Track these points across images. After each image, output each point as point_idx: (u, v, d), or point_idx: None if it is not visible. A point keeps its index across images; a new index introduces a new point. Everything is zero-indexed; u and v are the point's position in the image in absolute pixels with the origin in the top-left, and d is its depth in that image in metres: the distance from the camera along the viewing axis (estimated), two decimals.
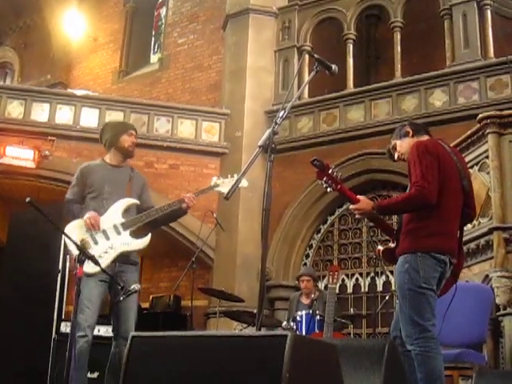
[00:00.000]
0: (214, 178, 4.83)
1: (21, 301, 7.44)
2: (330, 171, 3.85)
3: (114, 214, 4.53)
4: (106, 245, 4.43)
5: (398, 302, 3.95)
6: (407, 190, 3.87)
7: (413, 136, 4.15)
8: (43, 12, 15.55)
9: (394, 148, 4.23)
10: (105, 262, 4.35)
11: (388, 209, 4.02)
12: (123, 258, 4.48)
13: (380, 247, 4.21)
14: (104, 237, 4.46)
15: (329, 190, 3.89)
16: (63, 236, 4.54)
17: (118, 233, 4.49)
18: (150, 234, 4.58)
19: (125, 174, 4.74)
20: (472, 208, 4.06)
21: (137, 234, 4.55)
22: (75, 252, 4.05)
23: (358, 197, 3.95)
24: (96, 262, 3.94)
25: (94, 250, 4.31)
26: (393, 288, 4.10)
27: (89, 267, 4.13)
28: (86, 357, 4.32)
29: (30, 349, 7.16)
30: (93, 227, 4.44)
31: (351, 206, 3.93)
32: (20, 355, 7.20)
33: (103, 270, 4.13)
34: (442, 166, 3.81)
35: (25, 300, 7.40)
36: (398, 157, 4.21)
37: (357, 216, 4.00)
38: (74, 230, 4.45)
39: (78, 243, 4.03)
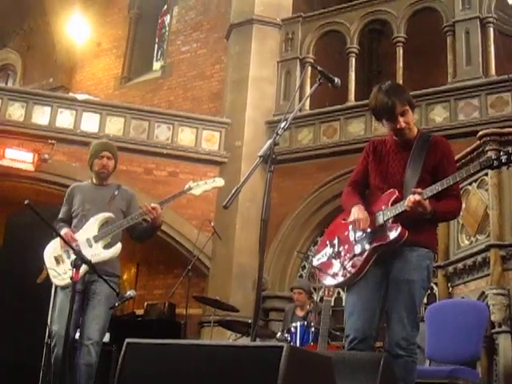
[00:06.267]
0: (190, 182, 4.84)
1: (16, 303, 7.42)
2: None
3: (90, 228, 4.70)
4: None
5: (392, 294, 3.43)
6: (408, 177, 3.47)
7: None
8: (47, 15, 15.60)
9: (403, 114, 3.60)
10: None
11: (439, 216, 3.47)
12: (97, 269, 4.31)
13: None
14: None
15: None
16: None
17: (90, 245, 4.64)
18: (119, 244, 4.71)
19: (108, 192, 4.87)
20: None
21: (112, 244, 4.70)
22: (49, 264, 4.69)
23: None
24: (92, 267, 4.05)
25: (66, 264, 4.59)
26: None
27: (58, 280, 4.62)
28: (64, 364, 4.36)
29: (23, 352, 7.13)
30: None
31: (419, 197, 3.25)
32: (13, 358, 7.19)
33: (94, 270, 4.15)
34: None
35: (20, 302, 7.38)
36: (403, 129, 3.60)
37: (409, 207, 3.27)
38: (52, 247, 4.80)
39: (74, 247, 4.15)
